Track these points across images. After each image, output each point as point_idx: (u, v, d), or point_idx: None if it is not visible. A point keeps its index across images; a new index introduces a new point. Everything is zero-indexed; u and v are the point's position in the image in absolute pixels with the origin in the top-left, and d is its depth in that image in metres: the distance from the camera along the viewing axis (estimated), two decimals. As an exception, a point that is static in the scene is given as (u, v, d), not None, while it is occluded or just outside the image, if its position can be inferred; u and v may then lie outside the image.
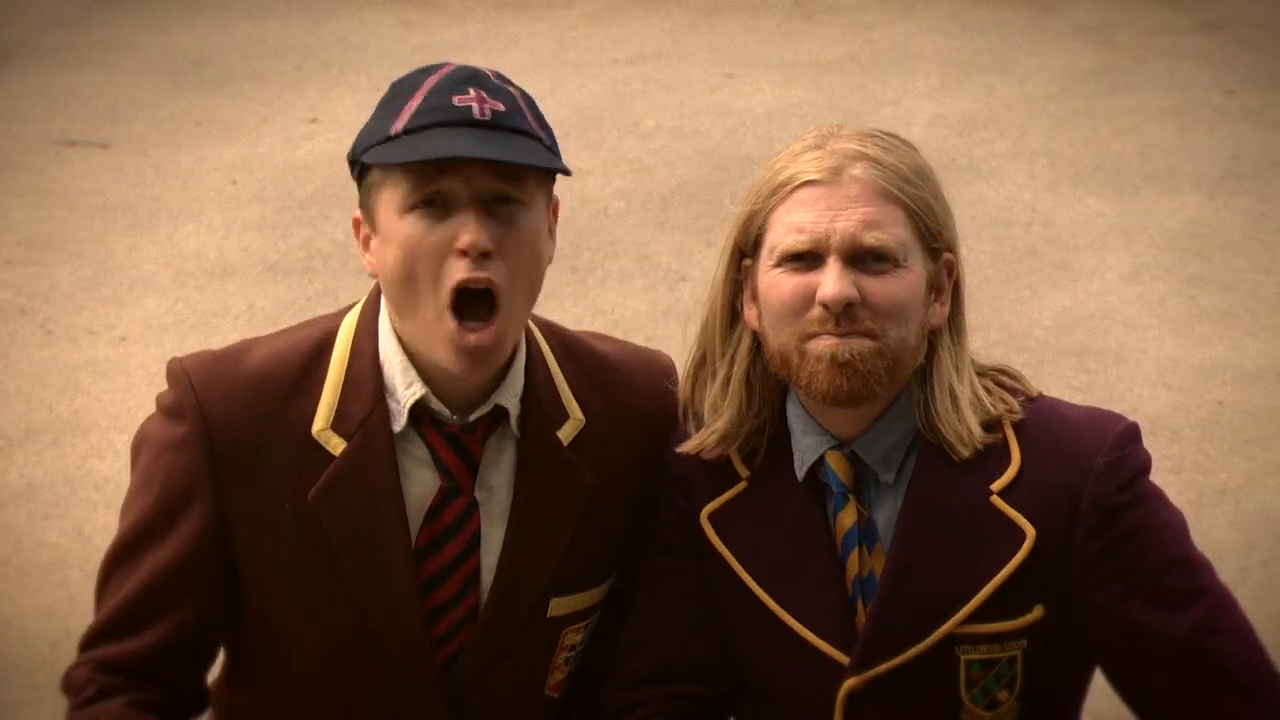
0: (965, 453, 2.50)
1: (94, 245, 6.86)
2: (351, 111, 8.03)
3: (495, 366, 2.51)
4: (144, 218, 7.08)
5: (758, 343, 2.58)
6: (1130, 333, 6.16)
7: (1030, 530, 2.49)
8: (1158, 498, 2.55)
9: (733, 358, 2.59)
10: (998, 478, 2.51)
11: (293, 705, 2.63)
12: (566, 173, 2.53)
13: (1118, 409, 5.76)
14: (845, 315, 2.46)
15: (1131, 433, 2.56)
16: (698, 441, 2.60)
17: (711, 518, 2.60)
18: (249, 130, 7.88)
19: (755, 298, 2.56)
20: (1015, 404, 2.56)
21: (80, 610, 4.75)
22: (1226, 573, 4.90)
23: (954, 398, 2.52)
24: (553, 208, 2.57)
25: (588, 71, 8.48)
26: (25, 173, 7.47)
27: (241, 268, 6.67)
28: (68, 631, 4.64)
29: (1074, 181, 7.31)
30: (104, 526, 5.07)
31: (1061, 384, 5.74)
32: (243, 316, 6.33)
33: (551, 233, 2.57)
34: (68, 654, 4.58)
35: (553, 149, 2.53)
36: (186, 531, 2.53)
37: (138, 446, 2.61)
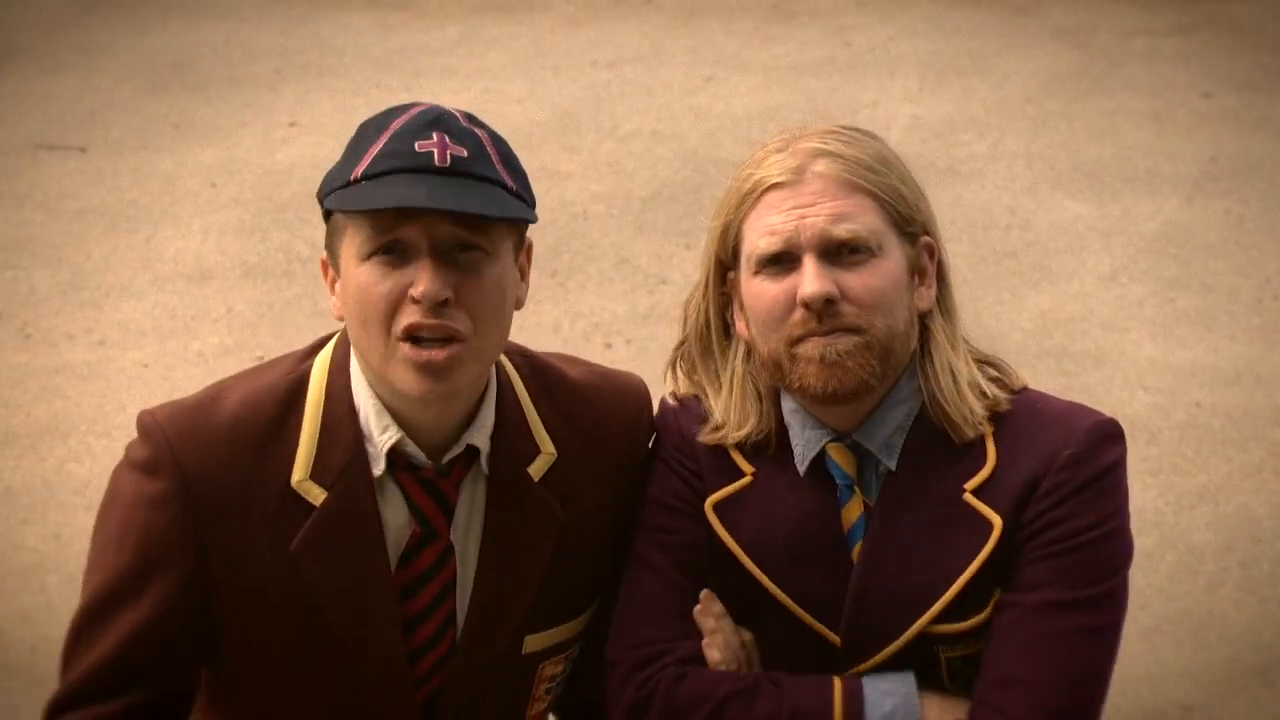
0: (970, 434, 2.53)
1: (72, 249, 6.85)
2: (330, 115, 8.03)
3: (458, 391, 2.47)
4: (122, 221, 7.07)
5: (749, 352, 2.60)
6: (1109, 335, 6.18)
7: (997, 520, 2.50)
8: (1108, 499, 2.54)
9: (733, 370, 2.62)
10: (972, 477, 2.53)
11: None
12: (529, 220, 2.48)
13: (1096, 411, 5.79)
14: (828, 312, 2.48)
15: (1103, 427, 2.56)
16: (716, 438, 2.62)
17: (716, 508, 2.61)
18: (227, 134, 7.87)
19: (743, 308, 2.58)
20: (1004, 396, 2.58)
21: (58, 615, 4.74)
22: (1204, 574, 4.96)
23: (954, 376, 2.55)
24: (525, 250, 2.53)
25: (566, 74, 8.47)
26: (3, 176, 7.45)
27: (220, 271, 6.66)
28: (45, 637, 4.63)
29: (1052, 184, 7.32)
30: (82, 530, 5.05)
31: (1040, 386, 5.69)
32: (221, 320, 6.32)
33: (524, 275, 2.53)
34: (46, 659, 4.58)
35: (520, 194, 2.47)
36: (163, 590, 2.46)
37: (108, 502, 2.54)
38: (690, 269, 6.97)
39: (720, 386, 2.62)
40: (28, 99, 8.24)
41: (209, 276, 6.62)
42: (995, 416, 2.57)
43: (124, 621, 2.48)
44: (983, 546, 2.50)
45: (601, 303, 6.38)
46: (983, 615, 2.51)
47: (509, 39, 8.92)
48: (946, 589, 2.50)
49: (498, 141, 2.48)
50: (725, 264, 2.59)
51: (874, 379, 2.50)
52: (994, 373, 2.63)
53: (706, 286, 2.62)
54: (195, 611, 2.49)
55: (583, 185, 7.25)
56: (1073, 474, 2.51)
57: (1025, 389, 2.63)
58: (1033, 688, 2.44)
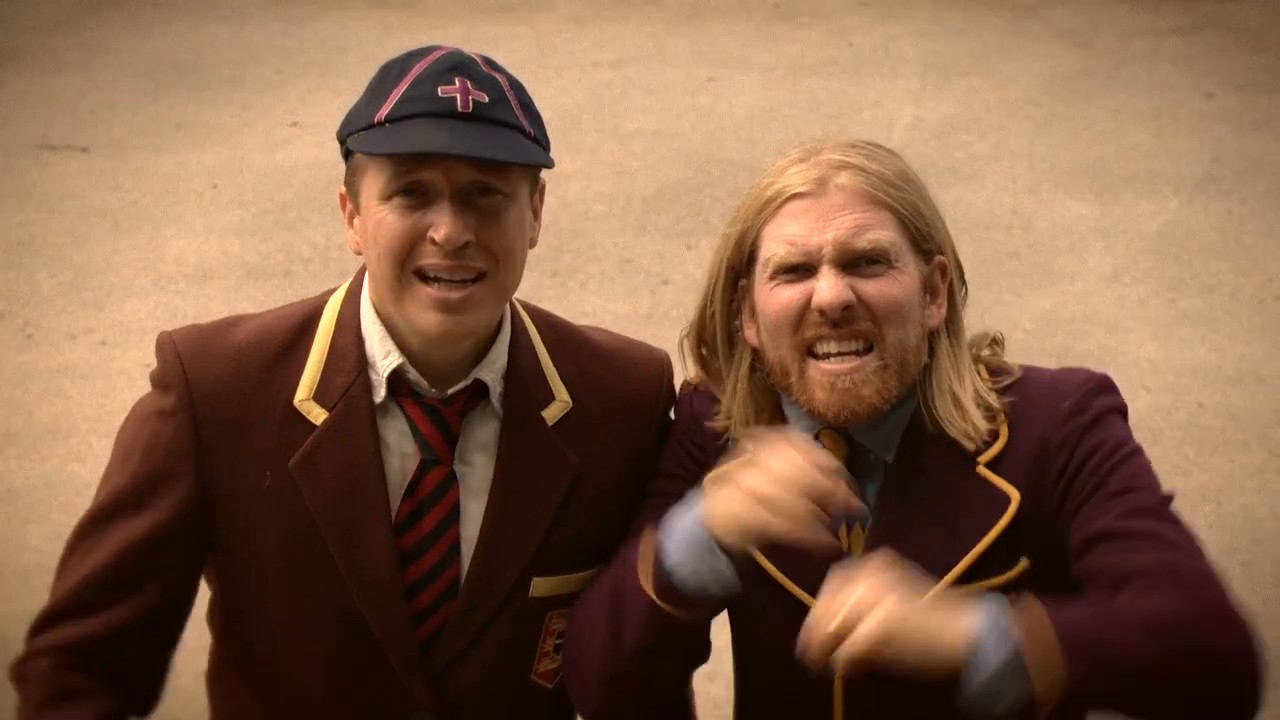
0: (971, 446, 2.53)
1: (74, 249, 6.85)
2: (332, 115, 8.01)
3: (472, 330, 2.53)
4: (124, 222, 7.07)
5: (755, 358, 2.61)
6: (1110, 335, 6.18)
7: (1015, 494, 2.51)
8: (1118, 426, 2.54)
9: (736, 378, 2.63)
10: (984, 452, 2.54)
11: (277, 684, 2.63)
12: (547, 165, 2.54)
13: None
14: (844, 319, 2.49)
15: (1095, 381, 2.59)
16: (723, 426, 2.64)
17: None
18: (229, 134, 7.87)
19: (753, 315, 2.58)
20: (1006, 395, 2.59)
21: (60, 615, 4.74)
22: (1207, 575, 4.96)
23: (956, 401, 2.55)
24: (539, 191, 2.59)
25: (569, 75, 8.48)
26: (5, 176, 7.46)
27: (222, 272, 6.66)
28: (47, 636, 4.63)
29: (1054, 184, 7.32)
30: (84, 531, 5.06)
31: (1042, 386, 5.76)
32: (223, 320, 6.33)
33: (536, 215, 2.58)
34: (48, 659, 4.57)
35: (538, 138, 2.53)
36: (165, 503, 2.53)
37: (124, 422, 2.62)
38: (692, 269, 6.98)
39: (725, 388, 2.63)
40: (30, 99, 8.24)
41: (211, 277, 6.62)
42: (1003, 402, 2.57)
43: (122, 532, 2.53)
44: (1000, 516, 2.50)
45: (603, 303, 6.38)
46: (998, 579, 2.49)
47: (511, 39, 8.93)
48: (956, 564, 2.49)
49: (516, 87, 2.52)
50: (737, 271, 2.59)
51: (889, 402, 2.51)
52: (994, 359, 2.65)
53: (715, 292, 2.62)
54: (191, 528, 2.54)
55: (585, 185, 7.25)
56: (1078, 420, 2.51)
57: (1022, 375, 2.63)
58: (1172, 564, 2.34)
